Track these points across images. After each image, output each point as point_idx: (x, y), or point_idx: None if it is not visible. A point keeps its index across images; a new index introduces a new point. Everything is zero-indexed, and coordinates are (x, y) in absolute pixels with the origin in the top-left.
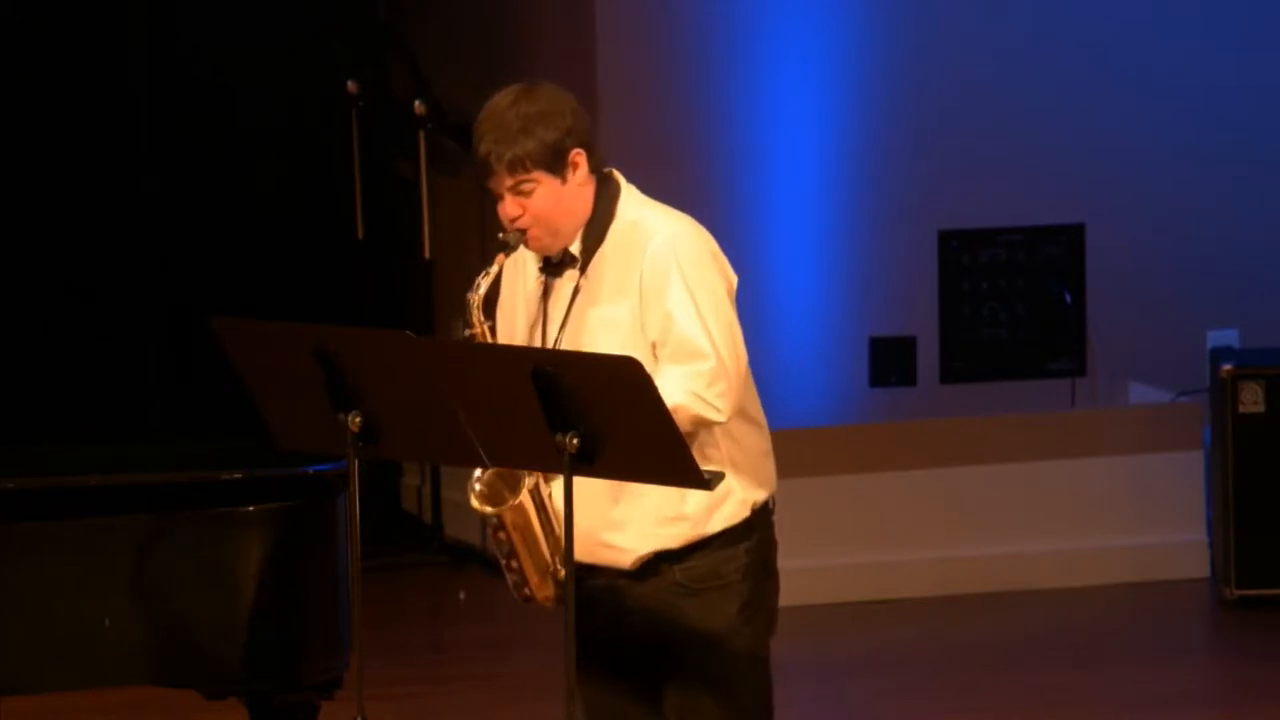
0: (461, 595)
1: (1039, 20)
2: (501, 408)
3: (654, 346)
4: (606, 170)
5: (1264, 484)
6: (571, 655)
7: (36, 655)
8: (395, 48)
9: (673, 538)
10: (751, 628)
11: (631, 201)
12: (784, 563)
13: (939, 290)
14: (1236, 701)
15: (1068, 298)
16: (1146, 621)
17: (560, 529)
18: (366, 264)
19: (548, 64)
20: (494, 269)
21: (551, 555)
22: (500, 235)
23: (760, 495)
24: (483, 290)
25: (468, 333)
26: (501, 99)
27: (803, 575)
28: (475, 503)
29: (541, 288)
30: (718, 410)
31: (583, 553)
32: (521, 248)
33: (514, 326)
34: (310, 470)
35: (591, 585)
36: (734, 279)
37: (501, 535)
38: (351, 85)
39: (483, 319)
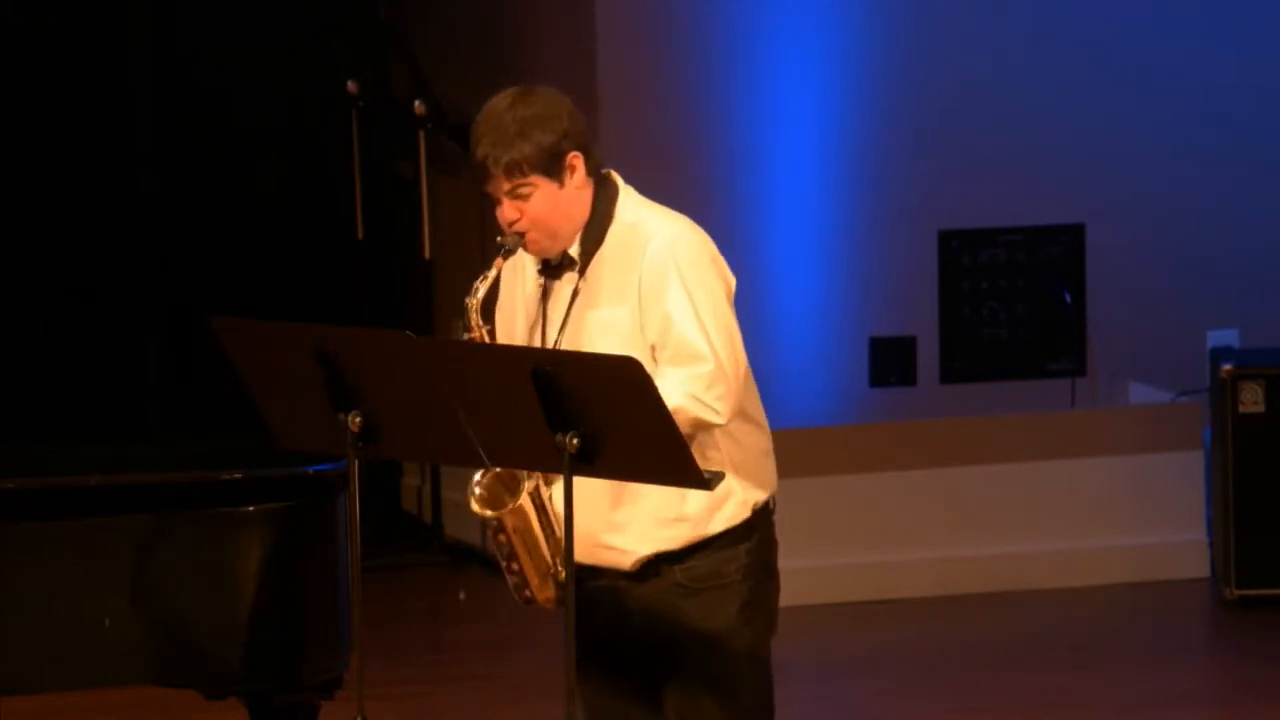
0: (461, 595)
1: (1039, 20)
2: (501, 408)
3: (653, 349)
4: (604, 172)
5: (1264, 484)
6: (571, 655)
7: (36, 655)
8: (395, 48)
9: (673, 539)
10: (752, 628)
11: (630, 203)
12: (784, 563)
13: (939, 290)
14: (1236, 701)
15: (1068, 298)
16: (1146, 621)
17: (560, 531)
18: (366, 264)
19: (548, 64)
20: (492, 273)
21: (552, 557)
22: (499, 238)
23: (761, 495)
24: (481, 294)
25: (466, 337)
26: (498, 102)
27: (803, 575)
28: (475, 506)
29: (540, 290)
30: (717, 413)
31: (583, 554)
32: (520, 250)
33: (513, 329)
34: (310, 470)
35: (592, 586)
36: (733, 281)
37: (502, 538)
38: (351, 85)
39: (481, 323)
